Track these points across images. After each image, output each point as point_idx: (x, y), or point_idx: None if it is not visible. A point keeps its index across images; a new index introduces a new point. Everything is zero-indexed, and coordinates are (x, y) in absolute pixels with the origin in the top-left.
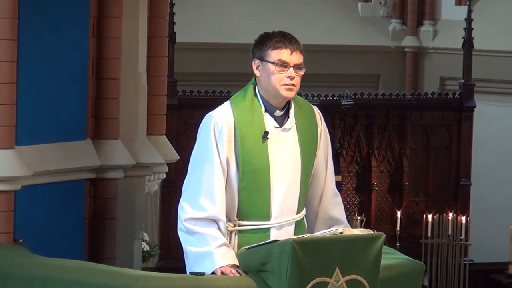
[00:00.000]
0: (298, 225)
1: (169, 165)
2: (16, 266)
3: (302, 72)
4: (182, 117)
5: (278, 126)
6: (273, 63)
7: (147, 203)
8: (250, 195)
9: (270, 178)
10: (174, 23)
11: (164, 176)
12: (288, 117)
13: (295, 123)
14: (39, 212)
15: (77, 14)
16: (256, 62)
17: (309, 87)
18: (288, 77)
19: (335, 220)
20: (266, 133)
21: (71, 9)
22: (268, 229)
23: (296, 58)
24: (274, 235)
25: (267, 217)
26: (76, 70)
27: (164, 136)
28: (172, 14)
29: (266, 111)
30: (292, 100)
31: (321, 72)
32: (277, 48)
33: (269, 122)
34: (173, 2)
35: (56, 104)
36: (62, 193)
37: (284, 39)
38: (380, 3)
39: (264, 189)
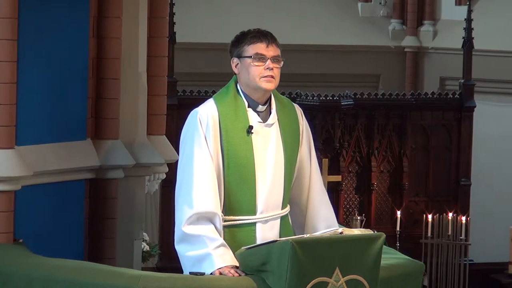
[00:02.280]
0: (283, 220)
1: (169, 165)
2: (16, 266)
3: (280, 64)
4: (182, 117)
5: (261, 121)
6: (250, 57)
7: (147, 203)
8: (236, 190)
9: (255, 172)
10: (174, 23)
11: (164, 176)
12: (271, 113)
13: (277, 119)
14: (39, 212)
15: (77, 14)
16: (234, 61)
17: (309, 87)
18: (267, 68)
19: (325, 219)
20: (251, 127)
21: (71, 9)
22: (254, 224)
23: (272, 50)
24: (260, 230)
25: (253, 212)
26: (76, 70)
27: (164, 136)
28: (172, 14)
29: (249, 106)
30: (273, 96)
31: (321, 72)
32: (252, 43)
33: (253, 117)
34: (173, 2)
35: (56, 104)
36: (62, 193)
37: (259, 34)
38: (380, 3)
39: (249, 183)
